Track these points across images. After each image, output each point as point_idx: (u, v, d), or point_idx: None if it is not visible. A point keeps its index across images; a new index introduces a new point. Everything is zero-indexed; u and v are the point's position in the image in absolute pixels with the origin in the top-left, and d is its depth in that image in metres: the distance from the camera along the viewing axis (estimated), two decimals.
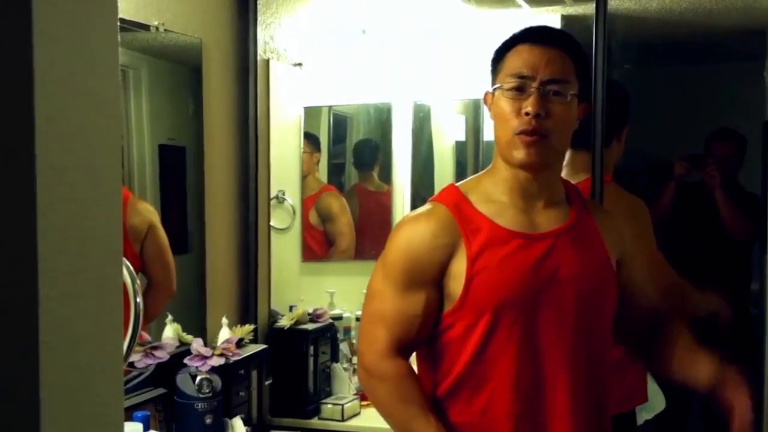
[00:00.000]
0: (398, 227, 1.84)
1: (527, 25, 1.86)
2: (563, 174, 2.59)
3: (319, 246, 3.60)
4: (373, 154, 3.65)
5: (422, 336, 1.79)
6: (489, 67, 1.86)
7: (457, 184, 1.87)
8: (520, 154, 1.75)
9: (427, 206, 1.83)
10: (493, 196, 1.81)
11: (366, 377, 1.83)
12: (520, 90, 1.75)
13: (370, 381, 1.82)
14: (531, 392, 1.75)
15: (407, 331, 1.77)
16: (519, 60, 1.77)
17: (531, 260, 1.75)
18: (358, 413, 3.07)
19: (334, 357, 3.24)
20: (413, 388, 1.77)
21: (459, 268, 1.73)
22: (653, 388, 2.93)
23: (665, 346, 1.96)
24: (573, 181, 2.50)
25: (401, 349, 1.78)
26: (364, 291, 3.17)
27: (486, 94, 1.85)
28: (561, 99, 1.75)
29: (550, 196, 1.84)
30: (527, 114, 1.73)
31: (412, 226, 1.80)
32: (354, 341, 3.43)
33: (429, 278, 1.76)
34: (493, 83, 1.83)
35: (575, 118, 1.82)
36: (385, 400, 1.80)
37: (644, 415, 2.92)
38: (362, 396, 3.15)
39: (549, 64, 1.75)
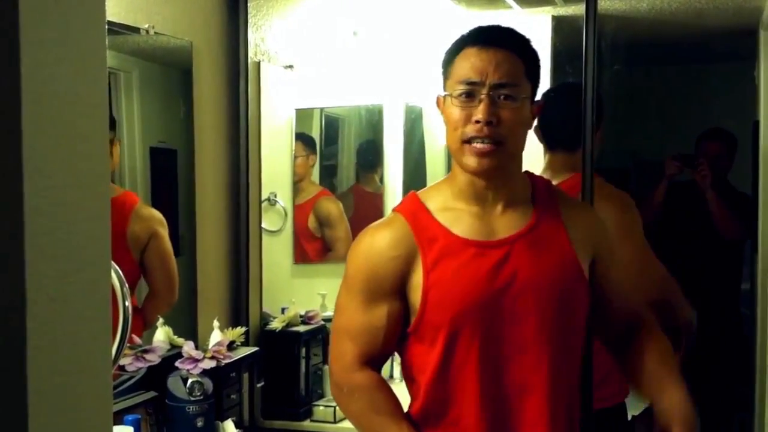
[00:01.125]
0: (358, 240, 1.82)
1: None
2: (545, 176, 2.59)
3: (315, 252, 3.60)
4: (377, 155, 3.64)
5: (389, 348, 1.80)
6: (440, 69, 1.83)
7: (419, 191, 1.85)
8: (471, 161, 1.72)
9: (388, 216, 1.84)
10: (451, 203, 1.78)
11: (337, 391, 1.84)
12: (469, 96, 1.71)
13: (341, 395, 1.82)
14: (499, 402, 1.73)
15: (373, 344, 1.77)
16: (467, 64, 1.72)
17: (486, 269, 1.71)
18: None
19: (326, 359, 3.23)
20: (383, 398, 1.76)
21: (417, 279, 1.72)
22: None
23: (636, 357, 1.91)
24: (556, 181, 2.50)
25: (369, 361, 1.78)
26: None
27: (438, 98, 1.81)
28: (512, 103, 1.71)
29: (509, 198, 1.80)
30: (477, 121, 1.69)
31: (369, 238, 1.79)
32: None
33: (389, 290, 1.75)
34: (444, 87, 1.79)
35: (529, 120, 1.79)
36: (357, 412, 1.80)
37: (632, 410, 2.92)
38: None
39: (498, 68, 1.70)
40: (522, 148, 1.82)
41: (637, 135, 4.71)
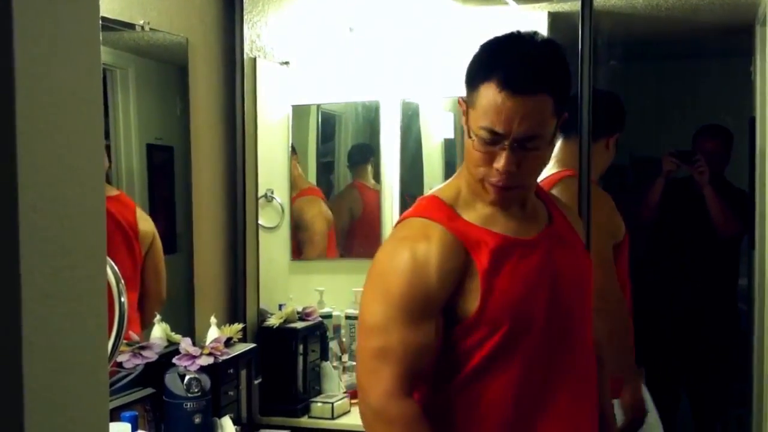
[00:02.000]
0: (392, 250, 1.72)
1: (514, 28, 1.74)
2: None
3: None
4: (374, 151, 3.63)
5: (431, 366, 1.69)
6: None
7: (435, 194, 1.78)
8: (490, 197, 1.71)
9: (416, 224, 1.72)
10: (476, 204, 1.74)
11: (372, 418, 1.69)
12: (491, 143, 1.64)
13: (377, 423, 1.68)
14: (530, 401, 1.72)
15: (419, 365, 1.66)
16: (492, 109, 1.61)
17: (537, 266, 1.71)
18: (348, 411, 3.07)
19: (324, 355, 3.24)
20: (424, 429, 1.65)
21: (471, 285, 1.66)
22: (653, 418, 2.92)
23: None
24: (545, 174, 2.52)
25: (412, 385, 1.67)
26: (354, 290, 3.15)
27: (459, 100, 1.75)
28: (535, 153, 1.67)
29: (529, 197, 1.81)
30: (498, 170, 1.66)
31: (411, 251, 1.66)
32: (344, 339, 3.43)
33: (440, 304, 1.66)
34: (467, 102, 1.70)
35: (549, 156, 1.77)
36: None
37: None
38: (352, 394, 3.15)
39: (523, 121, 1.61)
40: (537, 181, 1.82)
41: (633, 131, 4.70)
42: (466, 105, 1.71)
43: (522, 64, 1.65)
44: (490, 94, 1.62)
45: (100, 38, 0.89)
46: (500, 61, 1.67)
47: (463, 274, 1.66)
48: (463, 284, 1.66)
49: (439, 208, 1.72)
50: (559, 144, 2.68)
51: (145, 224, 2.63)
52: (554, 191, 2.46)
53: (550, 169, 2.62)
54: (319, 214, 3.63)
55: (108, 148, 2.48)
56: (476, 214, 1.72)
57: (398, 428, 1.64)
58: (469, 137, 1.68)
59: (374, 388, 1.66)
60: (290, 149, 3.52)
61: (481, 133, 1.65)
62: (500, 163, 1.64)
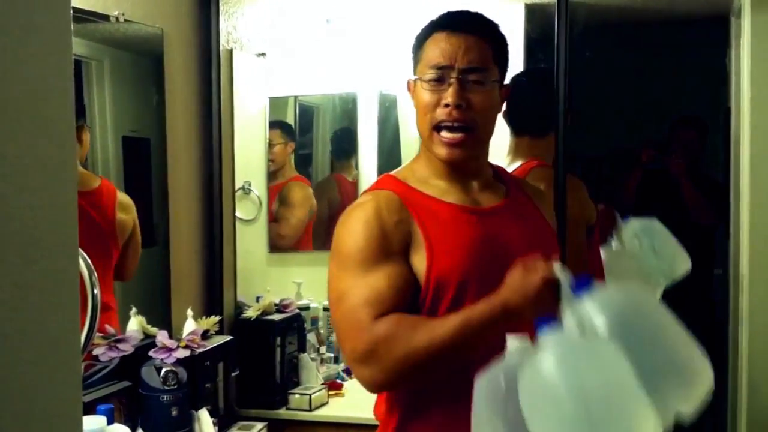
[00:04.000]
0: (346, 217, 1.75)
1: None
2: (505, 159, 2.61)
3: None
4: (352, 143, 3.63)
5: (403, 305, 1.65)
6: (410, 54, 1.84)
7: (393, 172, 1.84)
8: (441, 151, 1.74)
9: (369, 194, 1.77)
10: (431, 180, 1.78)
11: (375, 359, 1.61)
12: (439, 80, 1.73)
13: (380, 353, 1.60)
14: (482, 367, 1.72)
15: (387, 303, 1.63)
16: (436, 49, 1.74)
17: (484, 234, 1.74)
18: (326, 403, 3.07)
19: (302, 347, 3.24)
20: (414, 317, 1.63)
21: (418, 244, 1.69)
22: (676, 248, 2.95)
23: None
24: (512, 167, 2.54)
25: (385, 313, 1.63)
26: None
27: (408, 82, 1.82)
28: (481, 87, 1.73)
29: (483, 177, 1.84)
30: (447, 105, 1.71)
31: (360, 211, 1.72)
32: (322, 331, 3.43)
33: (395, 251, 1.67)
34: (414, 72, 1.81)
35: (498, 104, 1.81)
36: (405, 345, 1.59)
37: (663, 281, 2.94)
38: (330, 385, 3.16)
39: (467, 53, 1.72)
40: (491, 133, 1.83)
41: (609, 122, 4.73)
42: (413, 73, 1.79)
43: (459, 12, 1.82)
44: (434, 41, 1.75)
45: (72, 27, 0.88)
46: (439, 19, 1.80)
47: (409, 231, 1.69)
48: (412, 242, 1.69)
49: (391, 182, 1.79)
50: (527, 139, 2.68)
51: (125, 214, 2.62)
52: (528, 180, 2.48)
53: (515, 161, 2.63)
54: (306, 199, 3.63)
55: (80, 129, 2.47)
56: (429, 188, 1.77)
57: (394, 333, 1.60)
58: (419, 87, 1.75)
59: (358, 336, 1.63)
60: (278, 135, 3.52)
61: (428, 73, 1.73)
62: (448, 96, 1.71)
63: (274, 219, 3.56)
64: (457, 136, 1.72)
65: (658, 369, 1.39)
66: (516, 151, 2.67)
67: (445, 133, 1.72)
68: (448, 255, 1.69)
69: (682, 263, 3.01)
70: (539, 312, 1.47)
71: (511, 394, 1.37)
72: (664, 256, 3.00)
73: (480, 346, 1.55)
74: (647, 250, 2.95)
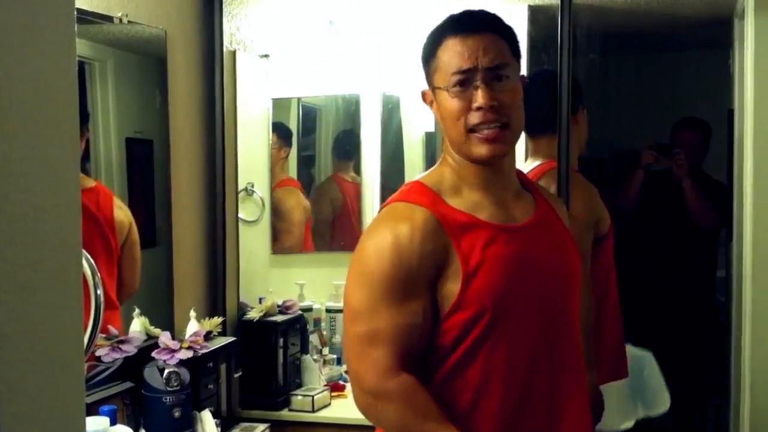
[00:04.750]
0: (375, 234, 1.71)
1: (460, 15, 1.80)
2: (524, 163, 2.62)
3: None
4: (355, 145, 3.63)
5: (422, 345, 1.68)
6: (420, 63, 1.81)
7: (420, 179, 1.79)
8: (482, 150, 1.70)
9: (400, 207, 1.72)
10: (462, 190, 1.74)
11: (372, 401, 1.68)
12: (464, 84, 1.69)
13: (378, 404, 1.67)
14: (523, 384, 1.71)
15: (409, 344, 1.65)
16: (454, 54, 1.70)
17: (520, 253, 1.71)
18: (329, 404, 3.07)
19: (304, 348, 3.24)
20: (426, 400, 1.64)
21: (453, 269, 1.66)
22: (660, 386, 2.94)
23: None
24: (528, 167, 2.54)
25: (405, 364, 1.65)
26: (334, 283, 3.14)
27: (424, 93, 1.80)
28: (507, 83, 1.71)
29: (514, 185, 1.81)
30: (479, 108, 1.68)
31: (393, 232, 1.66)
32: (324, 332, 3.43)
33: (425, 284, 1.66)
34: (430, 81, 1.77)
35: (522, 98, 1.78)
36: (399, 420, 1.65)
37: (641, 411, 2.94)
38: (333, 387, 3.16)
39: (486, 52, 1.69)
40: (523, 127, 1.81)
41: (612, 124, 4.73)
42: (431, 86, 1.78)
43: (464, 13, 1.78)
44: (448, 47, 1.72)
45: (75, 28, 0.88)
46: (446, 24, 1.77)
47: (444, 258, 1.66)
48: (446, 269, 1.66)
49: (423, 193, 1.73)
50: (541, 139, 2.69)
51: (122, 214, 2.62)
52: (542, 182, 2.47)
53: (534, 162, 2.63)
54: (297, 204, 3.62)
55: (85, 136, 2.48)
56: (462, 200, 1.73)
57: (399, 403, 1.64)
58: (444, 96, 1.73)
59: (368, 372, 1.66)
60: (273, 138, 3.52)
61: (452, 79, 1.70)
62: (478, 99, 1.68)
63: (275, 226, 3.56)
64: (494, 131, 1.69)
65: None
66: (535, 152, 2.68)
67: (482, 131, 1.69)
68: (485, 280, 1.66)
69: (662, 400, 3.01)
70: None
71: None
72: (649, 389, 3.00)
73: None
74: (635, 379, 2.95)
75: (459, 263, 1.65)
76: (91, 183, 2.53)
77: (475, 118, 1.69)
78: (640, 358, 3.00)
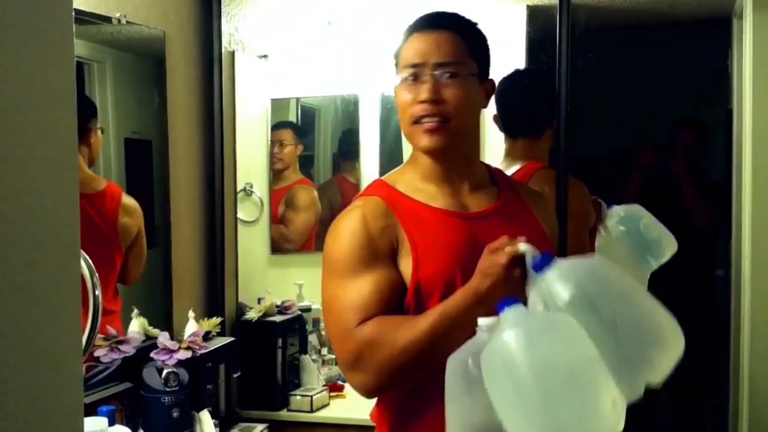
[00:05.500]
0: (334, 225, 1.78)
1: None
2: (502, 164, 2.61)
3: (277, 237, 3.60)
4: (354, 144, 3.63)
5: (389, 309, 1.68)
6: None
7: (383, 177, 1.87)
8: (423, 140, 1.76)
9: (356, 202, 1.80)
10: (420, 185, 1.80)
11: (354, 360, 1.65)
12: (415, 79, 1.76)
13: (360, 358, 1.64)
14: None
15: (371, 308, 1.65)
16: (411, 49, 1.79)
17: (470, 238, 1.74)
18: (327, 404, 3.07)
19: (303, 349, 3.24)
20: (393, 318, 1.65)
21: (405, 249, 1.71)
22: (660, 230, 2.96)
23: None
24: (510, 170, 2.54)
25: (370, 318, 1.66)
26: None
27: (395, 88, 1.85)
28: (455, 80, 1.75)
29: (474, 180, 1.84)
30: (423, 101, 1.74)
31: (348, 219, 1.75)
32: (323, 332, 3.43)
33: (383, 255, 1.70)
34: (398, 72, 1.84)
35: (478, 98, 1.82)
36: (382, 348, 1.62)
37: (653, 263, 2.94)
38: (331, 387, 3.16)
39: (438, 49, 1.76)
40: (472, 126, 1.84)
41: (611, 124, 4.73)
42: (398, 83, 1.82)
43: (432, 12, 1.87)
44: (408, 42, 1.81)
45: (73, 28, 0.88)
46: (414, 22, 1.85)
47: (395, 236, 1.72)
48: (399, 248, 1.71)
49: (380, 186, 1.81)
50: (522, 142, 2.68)
51: (128, 218, 2.63)
52: (531, 184, 2.47)
53: (514, 164, 2.63)
54: (312, 203, 3.63)
55: (90, 131, 2.48)
56: (418, 192, 1.79)
57: (373, 336, 1.63)
58: (399, 88, 1.79)
59: (342, 338, 1.67)
60: (289, 135, 3.54)
61: (405, 72, 1.78)
62: (423, 92, 1.74)
63: (280, 221, 3.56)
64: (435, 123, 1.74)
65: (627, 339, 1.39)
66: (512, 155, 2.66)
67: (424, 122, 1.75)
68: (433, 260, 1.70)
69: (668, 243, 3.02)
70: (512, 292, 1.48)
71: (478, 368, 1.39)
72: (649, 237, 3.01)
73: (461, 336, 1.54)
74: (632, 233, 2.96)
75: (409, 245, 1.71)
76: (102, 184, 2.54)
77: (418, 109, 1.75)
78: (632, 214, 3.02)
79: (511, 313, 1.38)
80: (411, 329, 1.62)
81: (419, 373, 1.66)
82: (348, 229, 1.73)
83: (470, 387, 1.44)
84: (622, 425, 1.36)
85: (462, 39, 1.79)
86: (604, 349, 1.34)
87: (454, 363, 1.48)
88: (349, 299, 1.68)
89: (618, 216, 2.97)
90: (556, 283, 1.40)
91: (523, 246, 1.52)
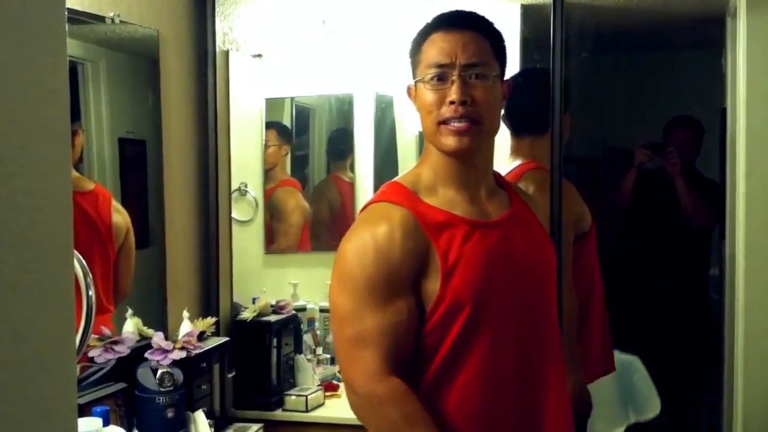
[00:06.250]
0: (355, 237, 1.73)
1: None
2: (507, 161, 2.62)
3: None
4: (349, 144, 3.63)
5: (410, 345, 1.69)
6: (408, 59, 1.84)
7: (397, 180, 1.82)
8: (450, 141, 1.73)
9: (378, 208, 1.76)
10: (437, 188, 1.77)
11: (362, 404, 1.69)
12: (441, 79, 1.74)
13: (368, 408, 1.68)
14: (505, 380, 1.73)
15: (397, 344, 1.66)
16: (435, 49, 1.75)
17: (495, 248, 1.74)
18: (322, 404, 3.07)
19: (298, 348, 3.24)
20: (415, 405, 1.64)
21: (433, 267, 1.68)
22: (650, 390, 2.96)
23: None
24: (509, 167, 2.55)
25: (394, 366, 1.66)
26: (328, 283, 3.16)
27: (408, 87, 1.83)
28: (484, 82, 1.74)
29: (489, 184, 1.84)
30: (452, 102, 1.72)
31: (371, 233, 1.69)
32: (318, 332, 3.43)
33: (407, 282, 1.67)
34: (414, 76, 1.81)
35: (501, 99, 1.81)
36: (388, 425, 1.66)
37: (632, 417, 2.95)
38: (326, 386, 3.16)
39: (466, 49, 1.74)
40: (498, 127, 1.83)
41: (605, 123, 4.73)
42: (413, 78, 1.82)
43: (453, 12, 1.84)
44: (432, 42, 1.77)
45: (66, 28, 0.88)
46: (434, 20, 1.82)
47: (424, 256, 1.69)
48: (426, 267, 1.69)
49: (400, 192, 1.76)
50: (528, 140, 2.69)
51: (120, 217, 2.62)
52: (521, 184, 2.48)
53: (513, 163, 2.63)
54: (297, 206, 3.62)
55: (73, 133, 2.47)
56: (437, 198, 1.76)
57: (389, 407, 1.64)
58: (422, 88, 1.77)
59: (358, 375, 1.67)
60: (273, 136, 3.52)
61: (430, 72, 1.75)
62: (452, 94, 1.72)
63: (268, 222, 3.56)
64: (464, 124, 1.72)
65: None
66: (517, 152, 2.68)
67: (452, 124, 1.73)
68: (463, 275, 1.68)
69: (653, 407, 3.02)
70: None
71: None
72: (639, 394, 3.01)
73: None
74: (624, 385, 2.96)
75: (438, 261, 1.68)
76: (90, 185, 2.53)
77: (447, 111, 1.73)
78: (628, 363, 3.02)
79: None
80: None
81: None
82: (372, 246, 1.68)
83: None
84: None
85: (485, 38, 1.78)
86: None
87: None
88: (373, 332, 1.66)
89: (615, 360, 2.95)
90: None
91: None
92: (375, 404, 1.66)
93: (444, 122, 1.73)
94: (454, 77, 1.72)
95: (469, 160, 1.78)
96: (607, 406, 2.79)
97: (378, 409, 1.66)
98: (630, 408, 2.97)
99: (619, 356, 2.96)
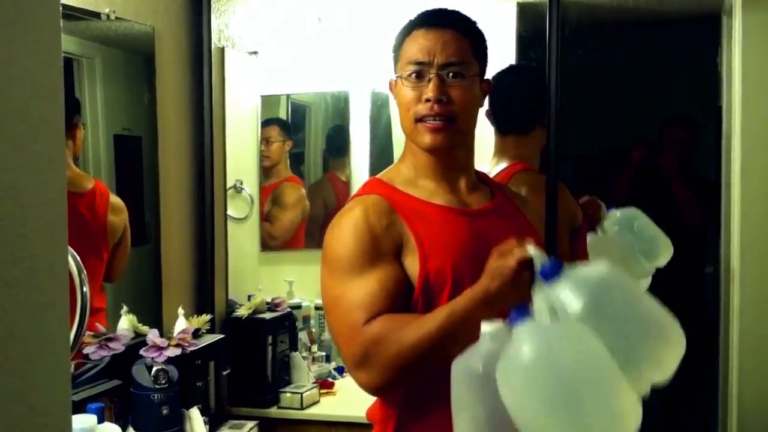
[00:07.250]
0: (333, 224, 1.76)
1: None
2: (492, 161, 2.61)
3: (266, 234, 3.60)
4: (345, 142, 3.63)
5: (395, 307, 1.66)
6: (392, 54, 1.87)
7: (377, 176, 1.86)
8: (426, 138, 1.76)
9: (354, 201, 1.78)
10: (417, 181, 1.80)
11: (361, 356, 1.63)
12: (419, 76, 1.76)
13: (368, 357, 1.62)
14: None
15: (378, 306, 1.64)
16: (415, 46, 1.78)
17: (475, 234, 1.75)
18: (318, 401, 3.07)
19: (293, 346, 3.23)
20: (400, 316, 1.64)
21: (410, 247, 1.70)
22: (654, 230, 2.96)
23: None
24: (497, 168, 2.54)
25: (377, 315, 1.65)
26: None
27: (390, 81, 1.85)
28: (461, 81, 1.76)
29: (470, 178, 1.86)
30: (428, 100, 1.74)
31: (348, 216, 1.73)
32: (313, 329, 3.43)
33: (388, 253, 1.69)
34: (395, 71, 1.83)
35: (479, 98, 1.83)
36: (390, 346, 1.61)
37: (646, 265, 2.95)
38: (322, 384, 3.16)
39: (445, 48, 1.76)
40: (473, 126, 1.85)
41: (601, 121, 4.73)
42: (394, 73, 1.83)
43: (436, 9, 1.87)
44: (412, 38, 1.80)
45: (61, 24, 0.88)
46: (417, 18, 1.85)
47: (400, 233, 1.71)
48: (404, 246, 1.71)
49: (378, 185, 1.81)
50: (512, 138, 2.67)
51: (116, 216, 2.62)
52: (510, 185, 2.48)
53: (499, 164, 2.62)
54: (299, 201, 3.62)
55: (74, 127, 2.46)
56: (417, 189, 1.79)
57: (384, 336, 1.61)
58: (401, 84, 1.79)
59: (350, 335, 1.65)
60: (276, 132, 3.53)
61: (408, 68, 1.77)
62: (429, 92, 1.74)
63: (266, 219, 3.56)
64: (439, 122, 1.75)
65: (636, 344, 1.41)
66: (502, 151, 2.66)
67: (428, 121, 1.75)
68: (441, 255, 1.70)
69: (663, 246, 3.03)
70: (521, 295, 1.49)
71: (488, 378, 1.38)
72: (644, 239, 3.02)
73: (469, 337, 1.53)
74: (628, 234, 2.97)
75: (414, 242, 1.70)
76: (89, 183, 2.53)
77: (423, 109, 1.75)
78: (627, 215, 3.03)
79: (526, 326, 1.38)
80: (419, 327, 1.61)
81: (427, 371, 1.65)
82: (350, 227, 1.71)
83: (481, 392, 1.44)
84: (639, 423, 1.37)
85: (465, 38, 1.80)
86: (616, 354, 1.35)
87: (460, 370, 1.48)
88: (355, 297, 1.66)
89: (614, 217, 2.97)
90: (568, 292, 1.40)
91: (532, 250, 1.51)
92: (373, 344, 1.62)
93: (420, 119, 1.76)
94: (432, 75, 1.75)
95: (447, 155, 1.80)
96: (616, 263, 2.80)
97: (379, 347, 1.62)
98: (640, 255, 2.98)
99: (617, 212, 2.99)
